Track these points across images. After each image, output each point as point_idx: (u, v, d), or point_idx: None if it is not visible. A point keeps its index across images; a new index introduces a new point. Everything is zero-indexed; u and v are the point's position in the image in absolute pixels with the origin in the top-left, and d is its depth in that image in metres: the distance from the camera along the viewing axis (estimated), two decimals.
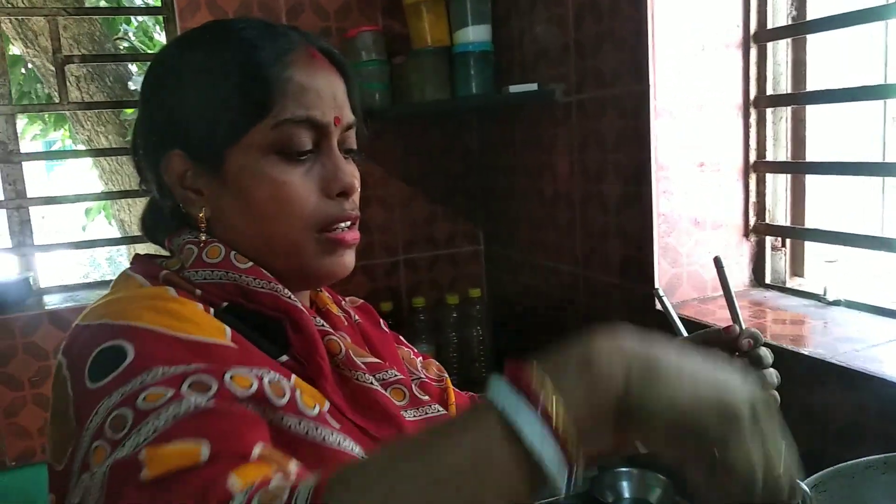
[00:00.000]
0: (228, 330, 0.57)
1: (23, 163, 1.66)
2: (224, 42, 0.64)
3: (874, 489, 0.72)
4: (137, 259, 0.68)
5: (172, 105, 0.65)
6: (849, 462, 0.73)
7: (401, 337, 0.87)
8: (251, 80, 0.62)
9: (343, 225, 0.65)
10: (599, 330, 0.44)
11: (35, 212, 1.71)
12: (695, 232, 1.30)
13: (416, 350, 0.87)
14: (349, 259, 0.67)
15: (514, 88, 1.54)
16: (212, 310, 0.59)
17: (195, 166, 0.64)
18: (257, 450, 0.47)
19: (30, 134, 4.28)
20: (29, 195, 1.67)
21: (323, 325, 0.66)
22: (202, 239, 0.64)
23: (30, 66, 3.43)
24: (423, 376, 0.82)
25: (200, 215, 0.64)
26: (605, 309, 1.43)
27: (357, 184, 0.67)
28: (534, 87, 1.54)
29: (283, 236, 0.63)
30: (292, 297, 0.63)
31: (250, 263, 0.63)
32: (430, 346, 1.81)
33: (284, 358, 0.61)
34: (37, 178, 6.06)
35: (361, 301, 0.85)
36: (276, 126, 0.62)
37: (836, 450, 0.97)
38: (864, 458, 0.73)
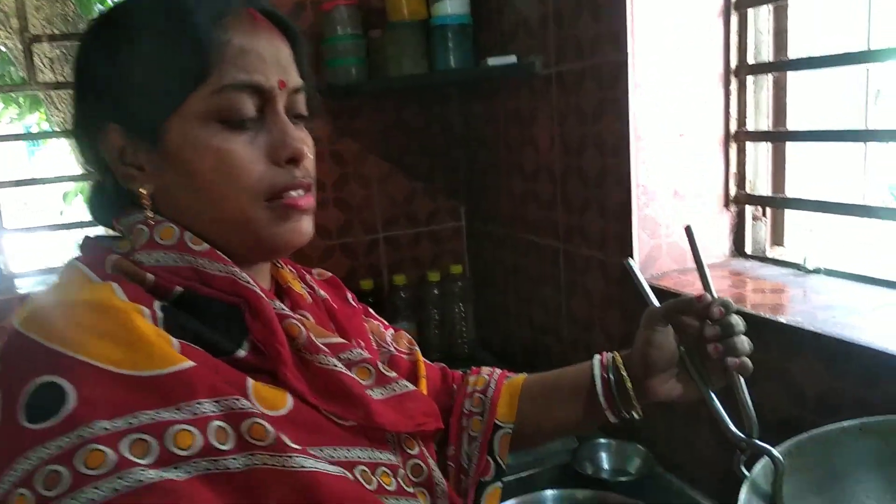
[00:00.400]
0: (176, 343, 0.54)
1: None
2: (157, 8, 0.60)
3: (850, 454, 0.72)
4: (86, 244, 0.65)
5: (105, 76, 0.61)
6: (824, 427, 0.73)
7: (370, 309, 0.85)
8: (186, 45, 0.58)
9: (294, 193, 0.62)
10: None
11: (16, 197, 1.68)
12: (674, 203, 1.28)
13: (385, 323, 0.85)
14: (306, 225, 0.64)
15: (492, 61, 1.52)
16: (160, 314, 0.56)
17: (133, 140, 0.61)
18: None
19: (6, 118, 4.22)
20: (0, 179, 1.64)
21: (282, 309, 0.63)
22: (151, 217, 0.61)
23: (2, 48, 3.36)
24: (392, 350, 0.81)
25: (142, 191, 0.61)
26: (586, 282, 1.42)
27: (308, 150, 0.63)
28: (513, 59, 1.51)
29: (231, 208, 0.60)
30: (251, 281, 0.61)
31: (206, 245, 0.61)
32: (412, 323, 1.80)
33: (242, 353, 0.59)
34: (18, 162, 5.99)
35: (330, 275, 0.83)
36: (216, 92, 0.58)
37: (813, 417, 0.96)
38: (840, 423, 0.73)
